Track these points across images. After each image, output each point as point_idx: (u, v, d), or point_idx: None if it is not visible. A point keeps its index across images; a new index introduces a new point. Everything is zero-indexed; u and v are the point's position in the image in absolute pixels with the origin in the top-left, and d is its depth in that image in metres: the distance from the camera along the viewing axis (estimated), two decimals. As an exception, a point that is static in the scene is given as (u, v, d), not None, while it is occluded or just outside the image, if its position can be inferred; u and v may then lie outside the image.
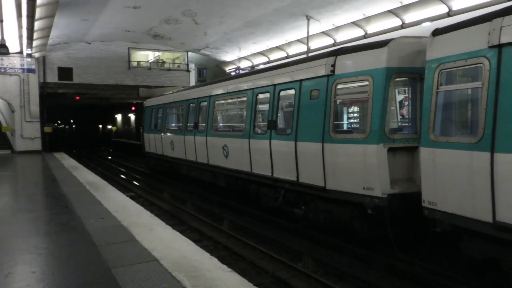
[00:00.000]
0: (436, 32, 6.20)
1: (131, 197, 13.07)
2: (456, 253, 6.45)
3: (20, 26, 17.20)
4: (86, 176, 13.75)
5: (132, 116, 43.75)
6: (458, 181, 5.58)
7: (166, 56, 29.55)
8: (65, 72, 25.41)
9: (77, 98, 29.25)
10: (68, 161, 19.19)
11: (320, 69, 8.26)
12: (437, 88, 6.03)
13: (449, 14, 13.32)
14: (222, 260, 7.92)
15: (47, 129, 26.15)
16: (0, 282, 4.37)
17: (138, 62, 28.31)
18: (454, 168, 5.66)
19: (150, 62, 28.95)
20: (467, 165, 5.42)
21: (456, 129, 6.40)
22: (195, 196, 15.02)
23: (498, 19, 5.15)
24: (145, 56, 29.73)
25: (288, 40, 21.27)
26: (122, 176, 21.83)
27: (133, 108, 37.76)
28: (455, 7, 13.20)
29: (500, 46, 5.08)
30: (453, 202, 5.69)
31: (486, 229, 5.19)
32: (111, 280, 4.39)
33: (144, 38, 25.48)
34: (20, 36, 19.10)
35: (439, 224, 6.06)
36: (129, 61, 27.21)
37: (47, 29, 18.08)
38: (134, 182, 19.36)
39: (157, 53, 29.22)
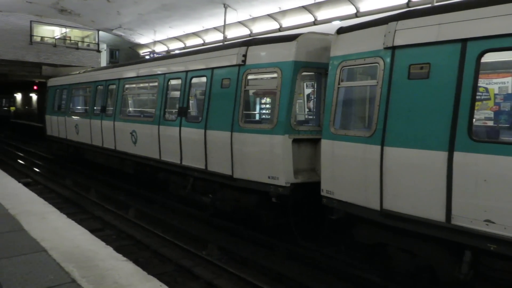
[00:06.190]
0: (340, 31, 6.52)
1: (27, 184, 12.09)
2: (350, 239, 6.90)
3: None
4: (-27, 159, 12.40)
5: (34, 96, 40.37)
6: (353, 171, 5.97)
7: (75, 33, 27.56)
8: (-48, 43, 22.58)
9: (-32, 72, 26.17)
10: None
11: (232, 58, 8.27)
12: (339, 84, 6.35)
13: (357, 15, 14.12)
14: (125, 249, 7.73)
15: None
16: None
17: (42, 37, 26.03)
18: (350, 160, 6.03)
19: (56, 39, 26.78)
20: (361, 157, 5.80)
21: (354, 123, 6.82)
22: (100, 183, 14.33)
23: (393, 22, 5.54)
24: (50, 31, 27.41)
25: (205, 27, 21.03)
26: (19, 161, 20.04)
27: (35, 88, 34.73)
28: (363, 8, 14.02)
29: (393, 48, 5.48)
30: (348, 191, 6.08)
31: (374, 216, 5.63)
32: (-11, 273, 4.00)
33: (49, 11, 23.46)
34: None
35: (336, 212, 6.43)
36: (31, 35, 24.92)
37: None
38: (33, 168, 17.90)
39: (64, 30, 27.11)
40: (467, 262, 4.78)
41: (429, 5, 8.25)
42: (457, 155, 4.66)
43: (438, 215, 4.83)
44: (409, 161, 5.14)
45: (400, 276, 5.89)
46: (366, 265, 6.92)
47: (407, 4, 12.77)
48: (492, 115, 6.53)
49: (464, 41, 4.70)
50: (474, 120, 4.71)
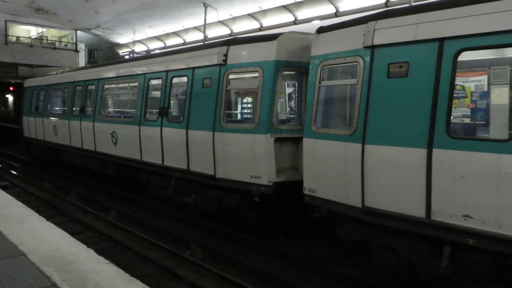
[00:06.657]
0: (320, 30, 6.56)
1: (4, 187, 11.84)
2: (333, 236, 6.96)
3: None
4: None
5: (10, 97, 39.39)
6: (335, 169, 6.02)
7: (52, 33, 27.03)
8: None
9: None
10: None
11: (213, 58, 8.25)
12: (319, 83, 6.40)
13: (337, 14, 14.26)
14: (106, 251, 7.64)
15: None
16: None
17: (18, 37, 25.43)
18: (331, 158, 6.08)
19: (32, 39, 26.18)
20: (343, 155, 5.86)
21: (335, 122, 6.87)
22: (80, 185, 14.09)
23: (372, 22, 5.61)
24: (26, 31, 26.80)
25: (185, 26, 20.90)
26: (-5, 163, 19.55)
27: (11, 88, 33.86)
28: (342, 8, 14.16)
29: (373, 47, 5.55)
30: (330, 189, 6.13)
31: (356, 213, 5.69)
32: (-34, 279, 3.89)
33: (25, 10, 22.94)
34: None
35: (318, 210, 6.48)
36: (6, 35, 24.32)
37: None
38: (10, 171, 17.48)
39: (40, 29, 26.53)
40: (447, 257, 4.87)
41: (407, 5, 8.38)
42: (435, 152, 4.75)
43: (418, 211, 4.92)
44: (389, 159, 5.21)
45: (382, 272, 5.97)
46: (349, 262, 6.99)
47: (386, 4, 12.96)
48: (469, 113, 6.66)
49: (441, 40, 4.79)
50: (451, 117, 4.80)
